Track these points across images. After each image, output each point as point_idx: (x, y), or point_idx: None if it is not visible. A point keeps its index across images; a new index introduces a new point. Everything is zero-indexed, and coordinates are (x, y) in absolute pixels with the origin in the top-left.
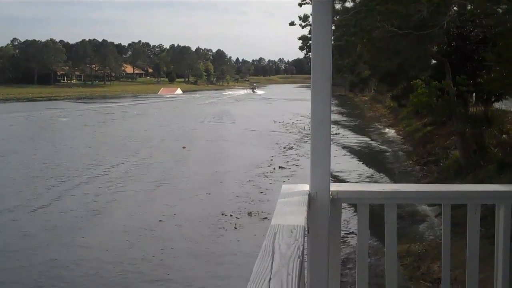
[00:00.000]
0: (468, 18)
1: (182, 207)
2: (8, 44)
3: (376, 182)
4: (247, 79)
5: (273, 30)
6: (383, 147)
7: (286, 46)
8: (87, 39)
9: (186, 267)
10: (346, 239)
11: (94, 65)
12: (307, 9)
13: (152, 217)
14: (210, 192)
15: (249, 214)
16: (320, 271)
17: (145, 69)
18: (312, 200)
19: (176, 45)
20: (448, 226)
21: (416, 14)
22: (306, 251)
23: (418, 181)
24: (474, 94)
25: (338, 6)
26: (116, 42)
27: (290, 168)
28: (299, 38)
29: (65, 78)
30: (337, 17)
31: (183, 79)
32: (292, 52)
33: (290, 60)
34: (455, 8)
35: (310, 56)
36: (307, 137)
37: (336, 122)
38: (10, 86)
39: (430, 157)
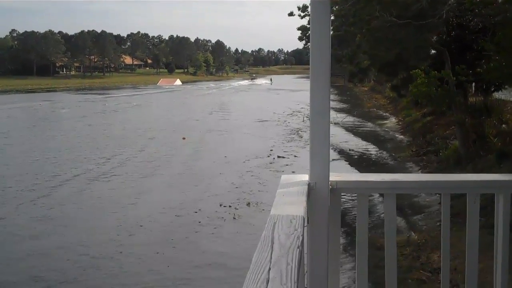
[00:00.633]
0: (468, 7)
1: (181, 197)
2: (6, 36)
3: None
4: (246, 70)
5: (272, 20)
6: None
7: (285, 37)
8: (86, 30)
9: (184, 257)
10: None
11: (93, 56)
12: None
13: (152, 207)
14: (210, 182)
15: (248, 204)
16: (319, 261)
17: (144, 60)
18: (311, 190)
19: (175, 36)
20: (448, 215)
21: (415, 3)
22: (306, 241)
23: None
24: (473, 84)
25: None
26: (115, 33)
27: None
28: (298, 29)
29: (64, 70)
30: (336, 7)
31: (182, 70)
32: (291, 42)
33: (289, 51)
34: None
35: (309, 46)
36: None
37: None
38: (9, 77)
39: (429, 147)
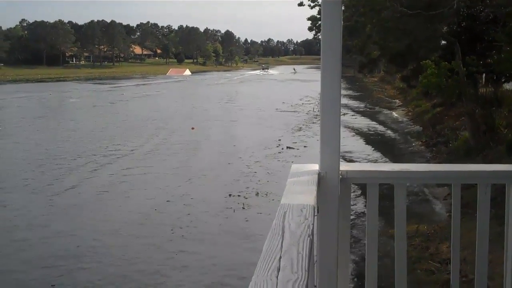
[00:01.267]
0: None
1: (190, 187)
2: (16, 25)
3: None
4: (255, 60)
5: (282, 11)
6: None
7: (295, 27)
8: (96, 20)
9: (193, 246)
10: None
11: (102, 46)
12: None
13: (161, 197)
14: (218, 173)
15: (257, 194)
16: (329, 250)
17: (154, 50)
18: (321, 180)
19: (184, 26)
20: (458, 206)
21: None
22: (316, 230)
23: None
24: (484, 74)
25: None
26: (124, 23)
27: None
28: (308, 19)
29: (74, 59)
30: None
31: (191, 60)
32: (301, 32)
33: (298, 41)
34: None
35: (320, 37)
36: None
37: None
38: (19, 67)
39: (439, 138)
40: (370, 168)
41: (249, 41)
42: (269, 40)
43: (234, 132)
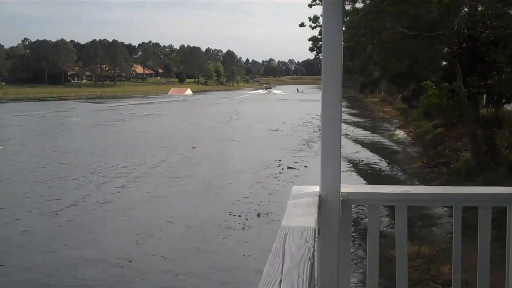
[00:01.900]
0: (479, 19)
1: (189, 207)
2: (19, 44)
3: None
4: (257, 80)
5: (283, 31)
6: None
7: (296, 47)
8: (98, 39)
9: (192, 266)
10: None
11: (104, 65)
12: (317, 10)
13: (160, 217)
14: (218, 192)
15: (258, 215)
16: (330, 273)
17: (155, 69)
18: (322, 202)
19: (186, 45)
20: (459, 228)
21: (426, 15)
22: (317, 253)
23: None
24: (484, 95)
25: (348, 7)
26: (126, 42)
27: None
28: (309, 39)
29: (76, 78)
30: (348, 18)
31: (193, 80)
32: (302, 53)
33: (300, 61)
34: (466, 9)
35: (321, 57)
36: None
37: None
38: (21, 86)
39: (440, 159)
40: (371, 190)
41: (250, 60)
42: (271, 60)
43: (242, 150)
